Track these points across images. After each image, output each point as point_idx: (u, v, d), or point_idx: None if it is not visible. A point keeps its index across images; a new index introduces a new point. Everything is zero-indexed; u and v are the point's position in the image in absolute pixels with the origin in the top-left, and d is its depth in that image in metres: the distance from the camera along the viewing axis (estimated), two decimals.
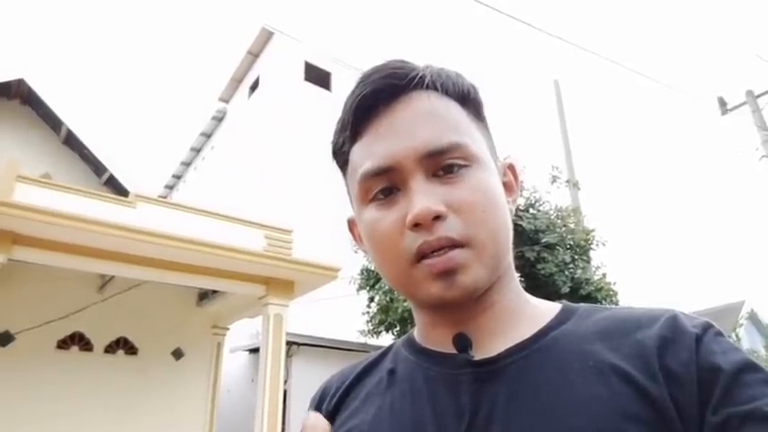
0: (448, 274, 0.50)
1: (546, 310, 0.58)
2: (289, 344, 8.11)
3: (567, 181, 9.49)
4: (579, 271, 8.06)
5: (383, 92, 0.55)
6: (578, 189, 9.57)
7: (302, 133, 13.68)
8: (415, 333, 0.63)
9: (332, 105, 14.68)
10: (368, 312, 9.04)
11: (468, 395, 0.51)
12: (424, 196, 0.50)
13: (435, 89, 0.56)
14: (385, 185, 0.54)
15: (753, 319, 15.42)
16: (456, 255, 0.50)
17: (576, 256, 8.14)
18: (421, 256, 0.50)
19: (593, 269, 8.51)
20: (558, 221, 8.35)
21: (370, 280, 9.01)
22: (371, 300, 8.98)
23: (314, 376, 9.53)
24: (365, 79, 0.56)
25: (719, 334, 0.48)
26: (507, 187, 0.60)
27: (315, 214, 12.15)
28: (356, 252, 8.86)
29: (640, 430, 0.43)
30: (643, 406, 0.44)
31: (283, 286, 6.61)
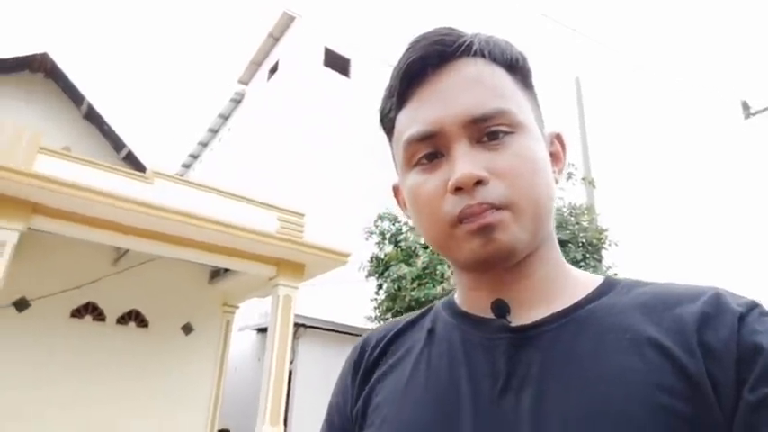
0: (485, 230, 0.50)
1: (587, 281, 0.58)
2: (296, 325, 8.21)
3: (583, 178, 9.41)
4: (590, 269, 8.02)
5: (431, 58, 0.55)
6: (593, 187, 9.48)
7: (319, 118, 13.69)
8: (456, 296, 0.64)
9: (350, 92, 14.66)
10: (376, 299, 9.09)
11: (504, 360, 0.52)
12: (466, 161, 0.51)
13: (483, 56, 0.56)
14: (429, 151, 0.54)
15: None
16: (495, 214, 0.50)
17: (588, 255, 8.10)
18: (461, 219, 0.51)
19: (605, 269, 8.46)
20: (572, 219, 8.31)
21: (378, 267, 9.05)
22: (380, 287, 9.03)
23: (319, 358, 9.66)
24: (413, 45, 0.56)
25: (765, 314, 0.47)
26: (554, 157, 0.60)
27: (328, 199, 12.20)
28: (366, 239, 8.91)
29: (674, 402, 0.43)
30: (678, 379, 0.44)
31: (294, 268, 6.69)
